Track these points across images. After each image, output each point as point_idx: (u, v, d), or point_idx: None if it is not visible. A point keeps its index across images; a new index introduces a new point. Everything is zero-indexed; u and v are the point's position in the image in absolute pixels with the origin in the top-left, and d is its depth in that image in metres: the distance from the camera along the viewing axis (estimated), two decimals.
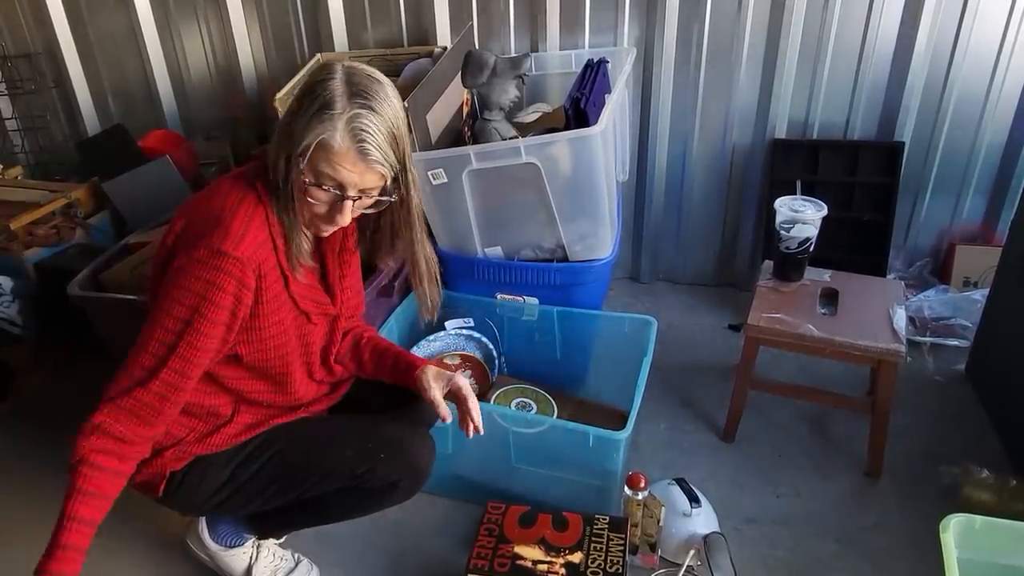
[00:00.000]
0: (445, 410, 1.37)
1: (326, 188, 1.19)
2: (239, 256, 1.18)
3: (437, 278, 1.46)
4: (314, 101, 1.15)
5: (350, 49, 2.62)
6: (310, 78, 1.20)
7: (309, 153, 1.16)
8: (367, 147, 1.16)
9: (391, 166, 1.20)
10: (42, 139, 3.00)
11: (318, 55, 2.54)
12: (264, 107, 2.71)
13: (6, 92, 2.93)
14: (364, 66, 1.22)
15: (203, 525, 1.59)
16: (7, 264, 2.26)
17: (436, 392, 1.38)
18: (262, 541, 1.61)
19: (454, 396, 1.39)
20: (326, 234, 1.31)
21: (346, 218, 1.23)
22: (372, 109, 1.16)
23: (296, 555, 1.66)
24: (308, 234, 1.31)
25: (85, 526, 1.14)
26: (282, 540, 1.66)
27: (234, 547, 1.59)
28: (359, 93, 1.16)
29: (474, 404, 1.39)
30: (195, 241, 1.18)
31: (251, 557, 1.60)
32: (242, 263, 1.18)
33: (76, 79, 2.90)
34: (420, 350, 2.01)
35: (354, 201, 1.22)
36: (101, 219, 2.56)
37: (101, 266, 2.05)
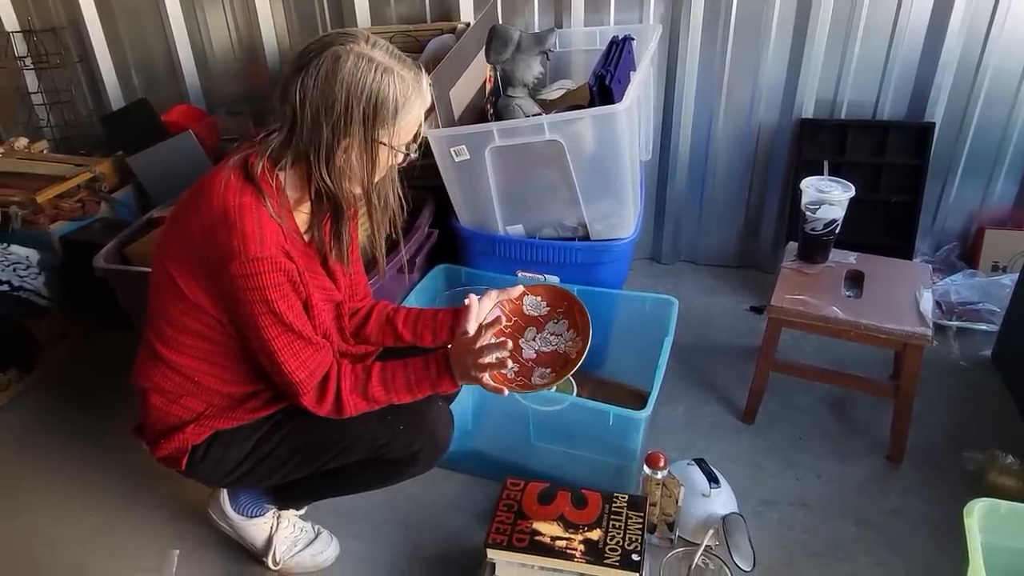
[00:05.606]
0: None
1: (416, 141, 1.29)
2: (270, 255, 1.18)
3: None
4: (382, 95, 1.17)
5: (372, 25, 2.61)
6: (340, 81, 1.15)
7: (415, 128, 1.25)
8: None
9: None
10: (67, 113, 3.02)
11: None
12: None
13: (32, 66, 2.95)
14: (359, 41, 1.19)
15: (224, 495, 1.61)
16: (33, 237, 2.29)
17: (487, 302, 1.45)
18: (283, 512, 1.63)
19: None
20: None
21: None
22: (405, 58, 1.23)
23: (316, 527, 1.68)
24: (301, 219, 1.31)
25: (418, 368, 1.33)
26: (302, 512, 1.68)
27: (255, 517, 1.61)
28: (397, 54, 1.21)
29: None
30: (225, 260, 1.17)
31: (271, 527, 1.62)
32: (274, 260, 1.19)
33: (100, 53, 2.91)
34: None
35: None
36: (125, 193, 2.58)
37: (126, 239, 2.07)
